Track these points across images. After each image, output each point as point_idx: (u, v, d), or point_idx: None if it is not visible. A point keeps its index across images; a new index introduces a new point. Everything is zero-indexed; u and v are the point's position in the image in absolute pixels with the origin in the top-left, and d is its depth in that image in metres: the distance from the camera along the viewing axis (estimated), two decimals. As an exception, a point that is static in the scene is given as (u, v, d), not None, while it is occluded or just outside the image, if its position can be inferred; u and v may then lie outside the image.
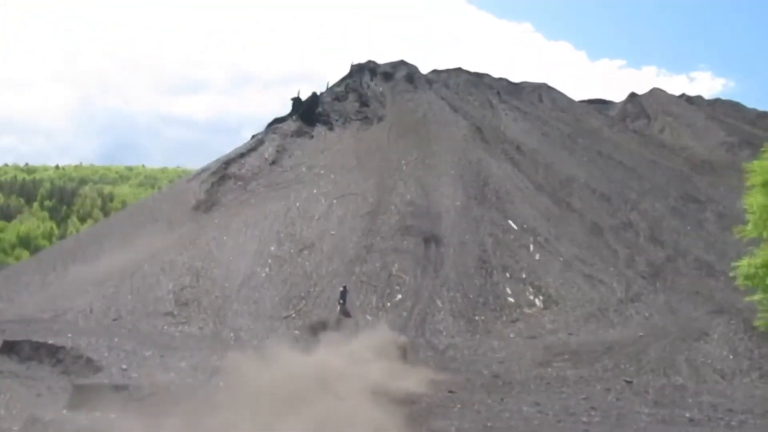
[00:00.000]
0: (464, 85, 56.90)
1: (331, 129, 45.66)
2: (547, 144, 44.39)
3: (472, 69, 61.02)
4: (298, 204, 33.37)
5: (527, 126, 47.99)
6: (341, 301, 24.10)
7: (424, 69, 59.38)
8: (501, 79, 60.93)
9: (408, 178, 36.07)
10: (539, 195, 35.67)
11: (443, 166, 37.79)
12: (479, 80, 58.98)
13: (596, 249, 30.19)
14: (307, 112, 46.84)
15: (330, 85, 53.37)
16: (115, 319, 23.80)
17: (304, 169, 38.91)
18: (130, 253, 29.60)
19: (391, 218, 31.15)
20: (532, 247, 29.50)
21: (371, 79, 55.02)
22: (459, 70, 60.85)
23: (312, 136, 44.30)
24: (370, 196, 33.58)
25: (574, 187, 37.43)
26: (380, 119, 47.26)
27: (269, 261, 28.14)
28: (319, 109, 47.81)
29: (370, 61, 58.15)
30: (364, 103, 50.00)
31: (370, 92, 52.62)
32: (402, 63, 58.78)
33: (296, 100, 48.02)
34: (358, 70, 55.85)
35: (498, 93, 55.91)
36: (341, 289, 24.64)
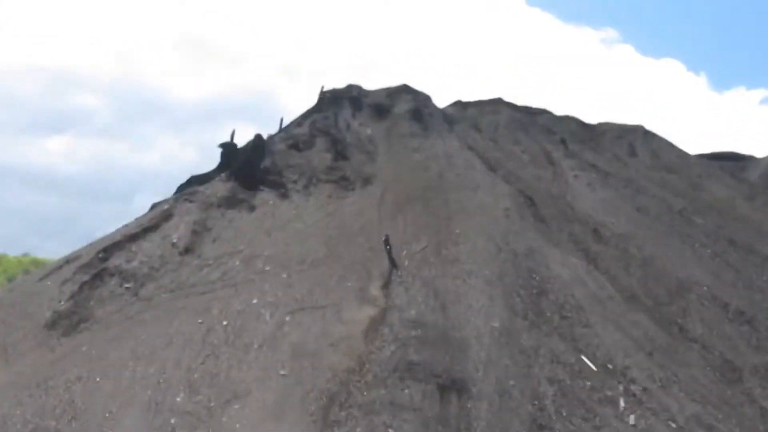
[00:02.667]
0: (508, 127, 58.15)
1: (284, 196, 45.90)
2: (644, 226, 44.72)
3: (521, 101, 63.63)
4: (225, 322, 33.15)
5: (611, 196, 48.71)
6: (388, 246, 36.05)
7: (442, 98, 61.58)
8: (568, 119, 62.53)
9: (413, 280, 36.11)
10: (633, 312, 35.69)
11: (472, 261, 38.12)
12: (532, 119, 60.24)
13: (732, 406, 29.86)
14: (246, 167, 47.05)
15: (285, 123, 54.15)
16: None
17: (237, 262, 38.90)
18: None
19: (384, 349, 30.86)
20: (622, 402, 29.16)
21: (353, 115, 56.00)
22: (499, 102, 62.37)
23: (253, 208, 44.50)
24: (346, 311, 33.45)
25: (692, 300, 37.56)
26: (367, 181, 47.91)
27: (173, 421, 27.31)
28: (266, 163, 48.00)
29: (351, 87, 59.25)
30: (340, 155, 50.26)
31: (351, 136, 53.19)
32: (404, 90, 59.88)
33: (228, 148, 48.30)
34: (331, 100, 56.66)
35: (563, 141, 56.98)
36: (384, 238, 36.91)
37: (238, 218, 43.45)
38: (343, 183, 47.79)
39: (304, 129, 52.87)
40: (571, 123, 62.29)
